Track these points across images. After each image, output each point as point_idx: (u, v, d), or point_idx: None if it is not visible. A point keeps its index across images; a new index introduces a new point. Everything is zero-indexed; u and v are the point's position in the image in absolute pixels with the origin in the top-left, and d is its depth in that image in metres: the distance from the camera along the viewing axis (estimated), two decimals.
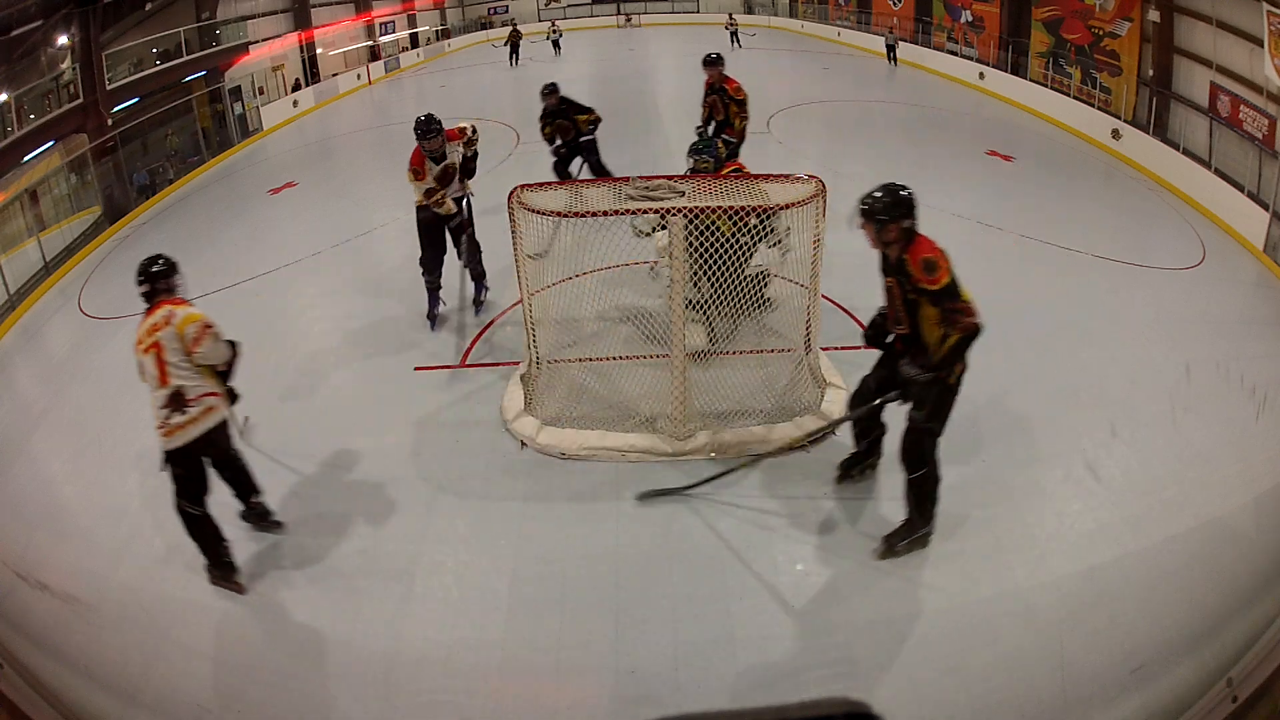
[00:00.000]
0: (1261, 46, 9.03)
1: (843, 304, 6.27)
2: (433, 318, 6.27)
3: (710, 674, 3.32)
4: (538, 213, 4.65)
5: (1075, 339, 5.92)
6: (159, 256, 3.82)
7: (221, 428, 3.74)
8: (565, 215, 4.60)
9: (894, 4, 19.79)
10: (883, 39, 19.27)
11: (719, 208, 4.32)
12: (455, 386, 5.50)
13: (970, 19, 16.64)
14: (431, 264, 6.14)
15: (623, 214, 4.56)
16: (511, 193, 4.68)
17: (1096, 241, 7.75)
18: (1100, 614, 3.52)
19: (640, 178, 4.89)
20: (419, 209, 5.96)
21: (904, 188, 3.45)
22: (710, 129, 7.88)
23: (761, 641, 3.45)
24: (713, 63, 7.82)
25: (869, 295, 6.45)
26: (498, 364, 5.75)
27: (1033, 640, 3.41)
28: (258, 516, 4.15)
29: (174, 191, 12.57)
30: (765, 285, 5.35)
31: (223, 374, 3.81)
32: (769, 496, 4.32)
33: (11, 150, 10.65)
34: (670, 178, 4.75)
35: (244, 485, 4.06)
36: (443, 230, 6.03)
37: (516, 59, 21.31)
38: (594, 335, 5.73)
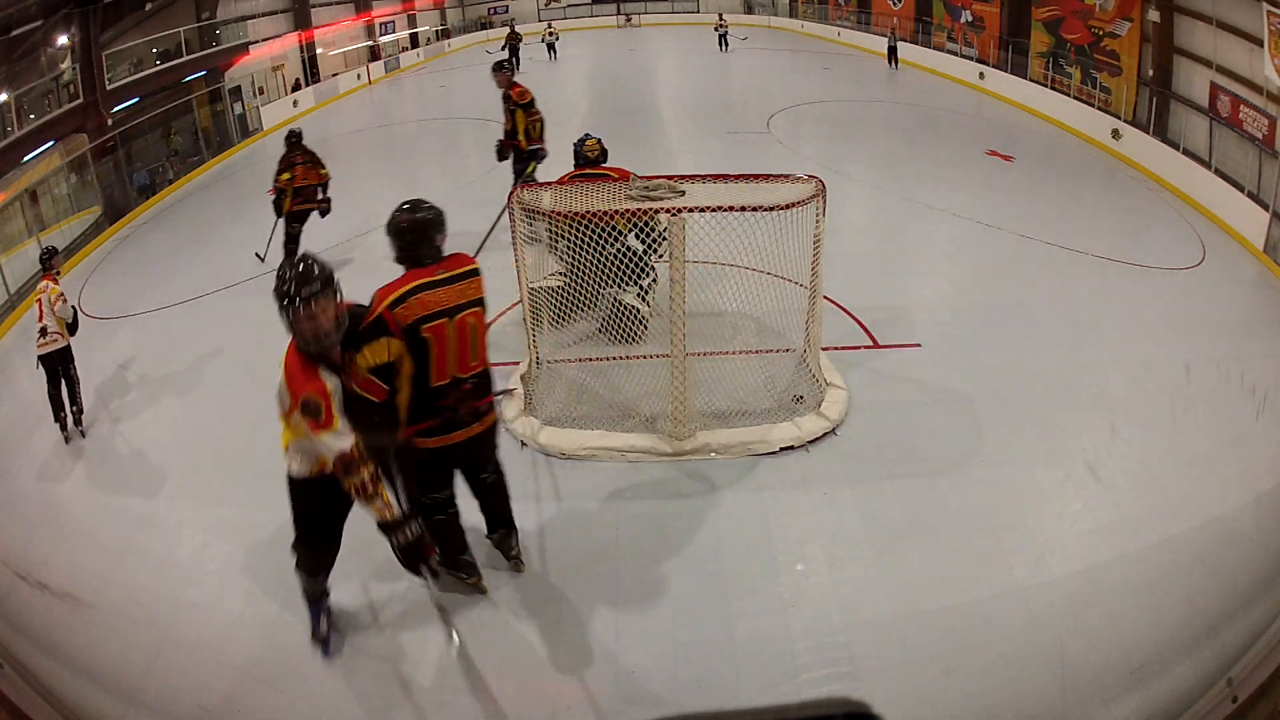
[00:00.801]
0: (1261, 46, 9.03)
1: (843, 304, 6.27)
2: (324, 640, 3.47)
3: (710, 674, 3.32)
4: (538, 212, 4.66)
5: (1075, 339, 5.93)
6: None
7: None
8: (565, 214, 4.61)
9: (894, 4, 19.78)
10: (884, 39, 19.23)
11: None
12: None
13: (970, 19, 16.63)
14: (321, 558, 3.33)
15: (623, 213, 4.57)
16: (511, 192, 4.68)
17: (1096, 241, 7.75)
18: (1100, 614, 3.52)
19: (640, 177, 4.90)
20: (304, 482, 3.11)
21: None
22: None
23: (761, 641, 3.44)
24: (498, 69, 7.78)
25: (869, 295, 6.51)
26: (497, 364, 5.73)
27: (1033, 640, 3.40)
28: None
29: (174, 191, 12.57)
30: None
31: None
32: (769, 496, 4.32)
33: (11, 150, 10.64)
34: (670, 177, 4.75)
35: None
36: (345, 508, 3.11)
37: (517, 63, 19.51)
38: (594, 335, 5.73)
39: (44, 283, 5.82)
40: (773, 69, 19.39)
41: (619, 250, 4.89)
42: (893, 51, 18.65)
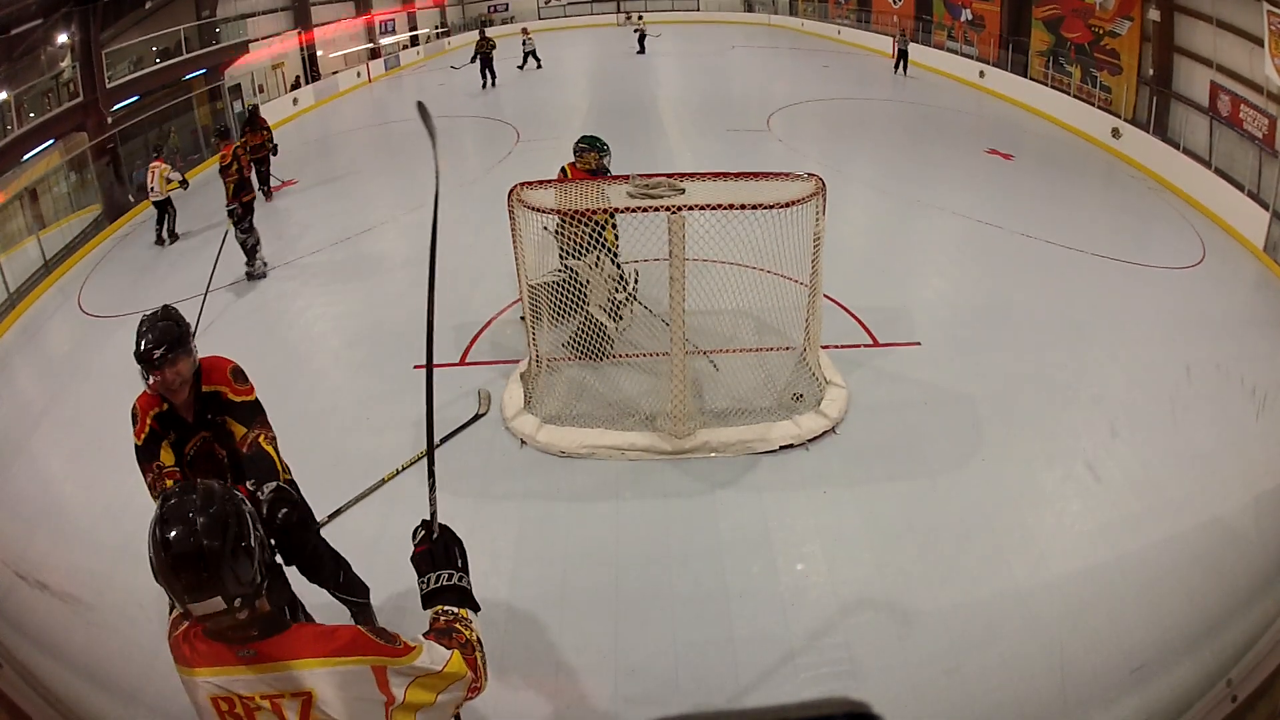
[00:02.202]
0: (1261, 46, 9.02)
1: (843, 302, 6.27)
2: None
3: (710, 674, 3.32)
4: (537, 210, 4.66)
5: (1076, 339, 5.92)
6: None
7: None
8: (565, 214, 4.61)
9: (894, 2, 19.77)
10: (889, 38, 18.79)
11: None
12: (455, 385, 5.49)
13: (970, 17, 16.62)
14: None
15: (623, 212, 4.57)
16: (511, 190, 4.68)
17: (1096, 241, 7.75)
18: (1100, 614, 3.52)
19: (640, 175, 4.90)
20: None
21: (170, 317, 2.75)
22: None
23: (761, 641, 3.45)
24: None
25: (869, 294, 6.51)
26: (497, 362, 5.74)
27: (1033, 640, 3.40)
28: None
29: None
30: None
31: None
32: (769, 496, 4.32)
33: (11, 148, 10.63)
34: (670, 176, 4.75)
35: None
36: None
37: (492, 78, 17.10)
38: (594, 333, 5.73)
39: (155, 163, 9.20)
40: (772, 67, 19.38)
41: (600, 256, 4.89)
42: (902, 56, 17.10)
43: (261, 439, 2.77)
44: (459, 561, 1.92)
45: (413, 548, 1.92)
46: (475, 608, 1.92)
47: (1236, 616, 3.00)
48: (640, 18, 22.85)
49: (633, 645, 3.45)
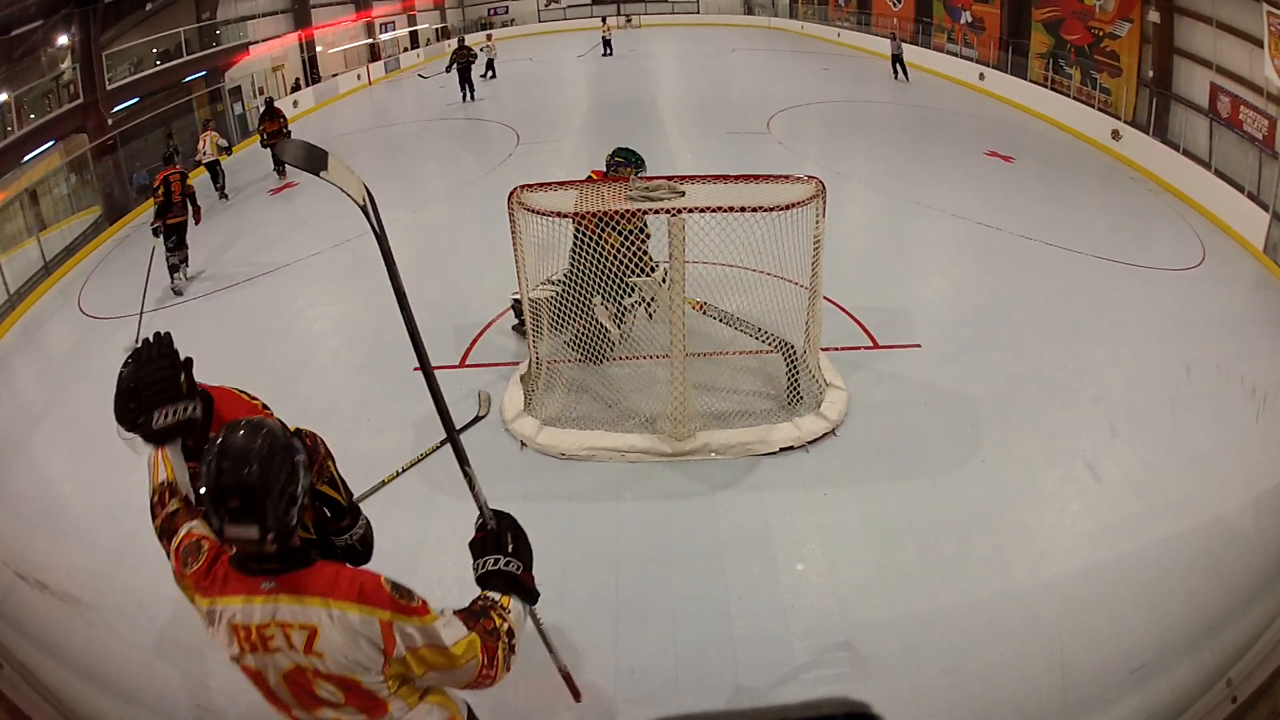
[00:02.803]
0: (1261, 47, 9.03)
1: (843, 304, 6.27)
2: None
3: (710, 674, 3.32)
4: (538, 213, 4.66)
5: (1075, 339, 5.93)
6: None
7: None
8: (566, 216, 4.61)
9: (894, 5, 19.79)
10: (888, 45, 18.75)
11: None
12: (455, 386, 5.49)
13: (970, 20, 16.63)
14: None
15: (623, 213, 4.57)
16: (511, 193, 4.68)
17: (1096, 242, 7.75)
18: (1100, 614, 3.52)
19: (640, 178, 4.90)
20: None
21: None
22: None
23: (761, 641, 3.45)
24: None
25: (869, 295, 6.51)
26: (498, 364, 5.75)
27: (1033, 640, 3.40)
28: None
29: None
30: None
31: None
32: (769, 496, 4.32)
33: (11, 150, 10.64)
34: (670, 178, 4.75)
35: None
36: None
37: (470, 92, 16.20)
38: (595, 336, 5.73)
39: (207, 131, 10.81)
40: (772, 69, 19.39)
41: (610, 264, 4.87)
42: (897, 60, 16.59)
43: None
44: (509, 548, 1.98)
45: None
46: (528, 597, 1.96)
47: (1236, 616, 3.01)
48: (605, 21, 23.18)
49: (633, 645, 3.45)
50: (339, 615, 1.65)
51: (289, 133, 12.08)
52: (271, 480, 1.62)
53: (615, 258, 4.76)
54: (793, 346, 5.01)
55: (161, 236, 7.78)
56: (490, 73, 18.49)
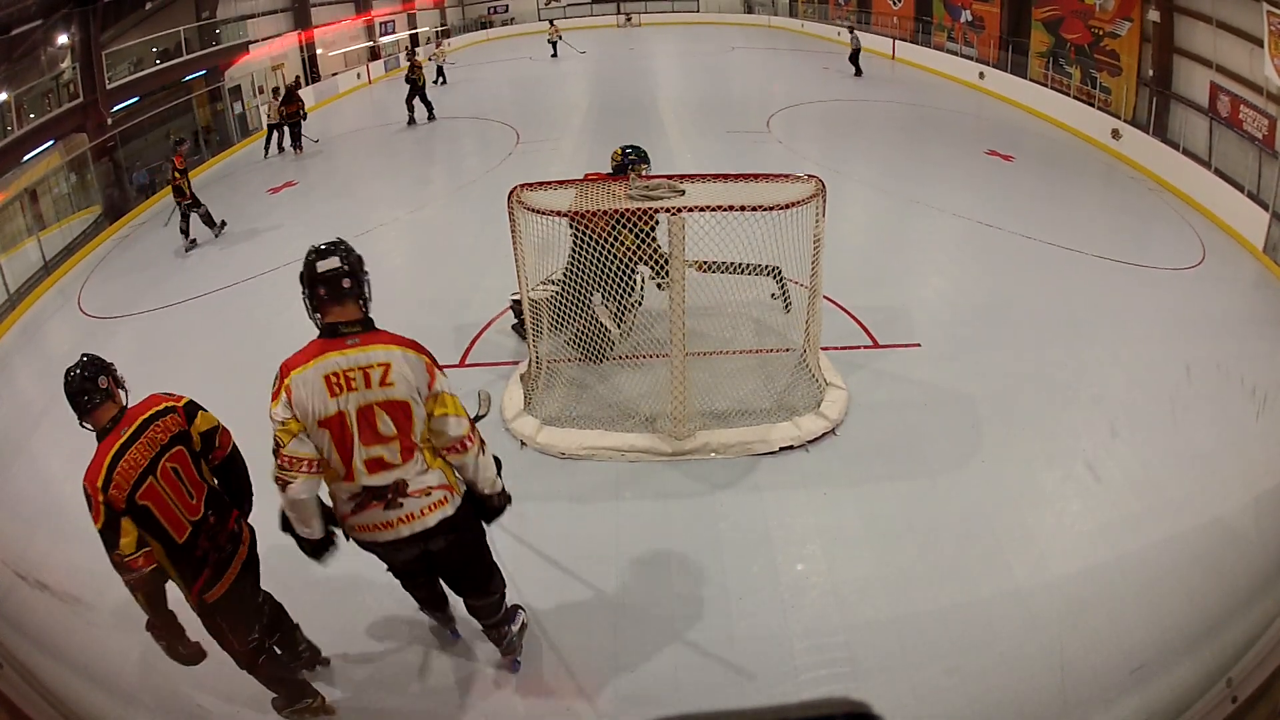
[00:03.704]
0: (1261, 46, 9.03)
1: (843, 304, 6.27)
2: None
3: (710, 674, 3.32)
4: (538, 212, 4.66)
5: (1075, 339, 5.93)
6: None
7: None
8: (566, 215, 4.60)
9: (894, 4, 19.78)
10: (887, 39, 18.57)
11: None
12: (455, 386, 5.49)
13: (970, 19, 16.63)
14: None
15: (624, 213, 4.57)
16: (511, 192, 4.68)
17: (1096, 241, 7.75)
18: (1100, 614, 3.52)
19: (640, 177, 4.90)
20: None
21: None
22: None
23: (761, 641, 3.45)
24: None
25: (869, 295, 6.51)
26: (497, 364, 5.75)
27: (1033, 640, 3.41)
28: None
29: None
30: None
31: None
32: (769, 496, 4.32)
33: (11, 149, 10.64)
34: (670, 177, 4.75)
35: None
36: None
37: (429, 111, 14.48)
38: (595, 334, 5.73)
39: (272, 101, 13.05)
40: (772, 68, 19.38)
41: (615, 263, 4.86)
42: (855, 55, 16.83)
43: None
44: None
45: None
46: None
47: (1236, 616, 3.00)
48: (552, 23, 23.23)
49: (633, 645, 3.45)
50: (402, 354, 2.52)
51: (305, 115, 13.46)
52: (360, 269, 2.54)
53: (629, 257, 4.75)
54: (779, 269, 5.08)
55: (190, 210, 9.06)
56: (441, 79, 18.28)
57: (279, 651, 3.17)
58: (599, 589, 3.76)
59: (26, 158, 10.96)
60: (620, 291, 5.03)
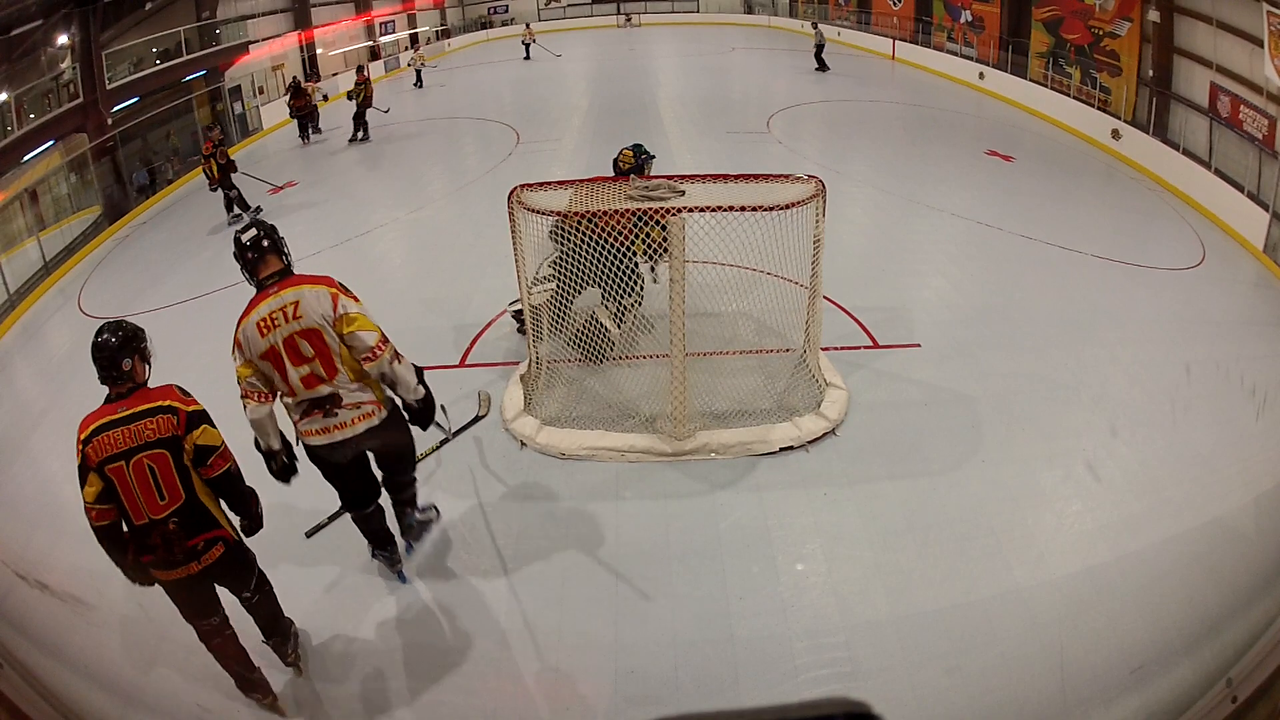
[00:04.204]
0: (1261, 46, 9.02)
1: (843, 304, 6.27)
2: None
3: (710, 674, 3.32)
4: (538, 213, 4.65)
5: (1075, 339, 5.93)
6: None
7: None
8: (565, 215, 4.60)
9: (894, 4, 19.79)
10: (887, 39, 18.54)
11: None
12: (455, 386, 5.50)
13: (970, 19, 16.63)
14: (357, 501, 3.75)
15: (623, 213, 4.57)
16: (511, 192, 4.68)
17: (1096, 242, 7.75)
18: (1100, 614, 3.52)
19: (640, 177, 4.90)
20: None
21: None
22: None
23: (761, 641, 3.45)
24: None
25: (869, 295, 6.51)
26: (497, 364, 5.75)
27: (1033, 640, 3.41)
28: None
29: (174, 191, 12.58)
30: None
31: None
32: (769, 496, 4.32)
33: (11, 150, 10.64)
34: (670, 178, 4.75)
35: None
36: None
37: (364, 133, 13.43)
38: (594, 335, 5.73)
39: (309, 83, 14.47)
40: (772, 69, 19.38)
41: (615, 263, 4.86)
42: (820, 49, 17.19)
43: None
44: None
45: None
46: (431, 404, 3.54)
47: (1236, 616, 3.01)
48: (528, 26, 23.63)
49: (633, 645, 3.45)
50: (310, 290, 3.18)
51: (315, 107, 14.23)
52: (276, 232, 3.32)
53: (632, 255, 4.76)
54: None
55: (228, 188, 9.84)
56: (418, 82, 19.00)
57: (272, 648, 3.29)
58: (599, 589, 3.76)
59: (26, 158, 10.96)
60: (621, 291, 5.04)
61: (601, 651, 3.43)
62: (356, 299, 3.27)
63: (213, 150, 9.61)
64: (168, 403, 2.84)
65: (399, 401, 3.45)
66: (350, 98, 13.62)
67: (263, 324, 3.13)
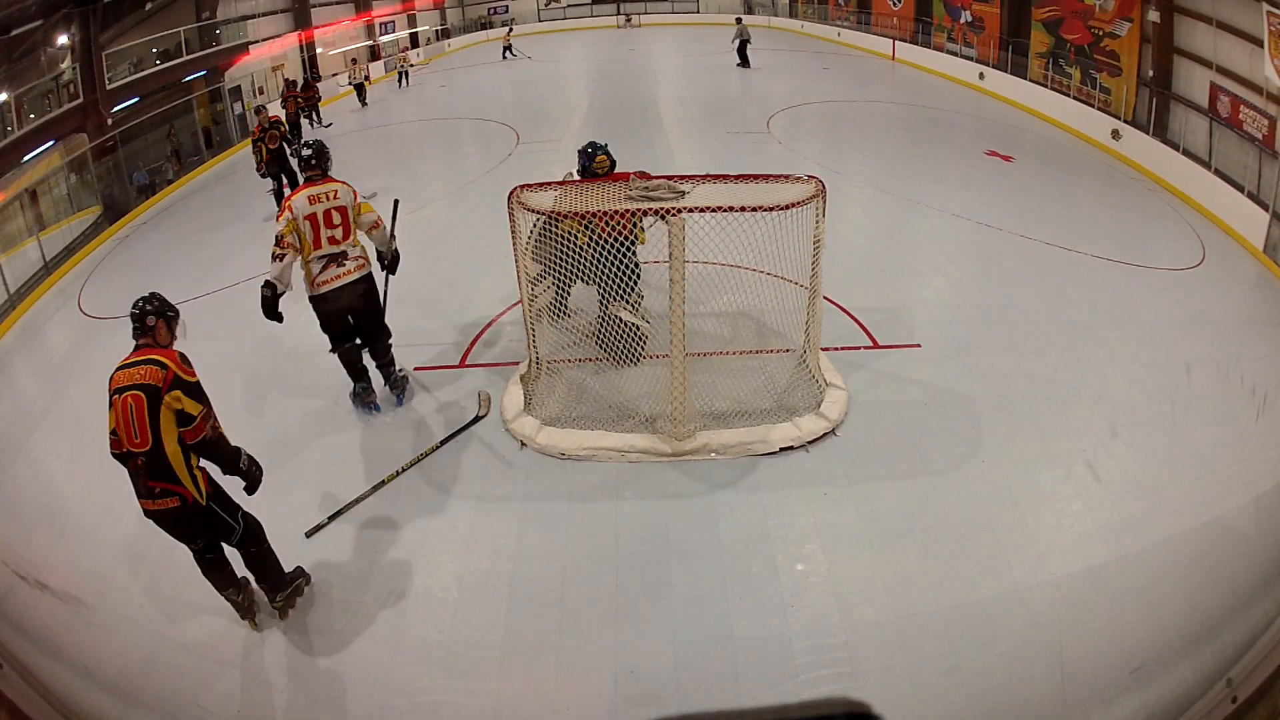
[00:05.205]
0: (1261, 47, 9.03)
1: (843, 304, 6.28)
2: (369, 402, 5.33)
3: (710, 674, 3.32)
4: (537, 212, 4.65)
5: (1075, 339, 5.93)
6: None
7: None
8: (565, 215, 4.60)
9: (894, 4, 19.79)
10: (887, 40, 18.47)
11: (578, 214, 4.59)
12: (455, 386, 5.50)
13: (970, 19, 16.63)
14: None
15: (623, 214, 4.56)
16: (511, 193, 4.68)
17: (1096, 241, 7.75)
18: (1100, 614, 3.52)
19: (640, 177, 4.90)
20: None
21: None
22: None
23: (761, 641, 3.45)
24: None
25: (869, 295, 6.51)
26: (497, 364, 5.75)
27: (1033, 640, 3.41)
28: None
29: (174, 191, 12.58)
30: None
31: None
32: (769, 496, 4.32)
33: (11, 150, 10.65)
34: (670, 178, 4.75)
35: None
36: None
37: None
38: (624, 335, 5.71)
39: (354, 64, 17.60)
40: (772, 69, 19.39)
41: (619, 263, 4.85)
42: (744, 44, 17.60)
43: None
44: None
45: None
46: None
47: (1236, 616, 3.01)
48: (509, 30, 24.25)
49: (633, 645, 3.45)
50: (341, 186, 4.87)
51: (320, 98, 15.40)
52: (327, 150, 5.07)
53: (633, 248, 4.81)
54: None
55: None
56: (404, 82, 19.80)
57: (256, 587, 3.72)
58: (599, 589, 3.76)
59: (26, 158, 10.97)
60: (630, 285, 5.02)
61: (601, 651, 3.43)
62: (367, 199, 5.07)
63: (260, 134, 9.43)
64: (162, 359, 3.23)
65: (378, 259, 5.10)
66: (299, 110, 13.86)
67: (312, 198, 4.74)
